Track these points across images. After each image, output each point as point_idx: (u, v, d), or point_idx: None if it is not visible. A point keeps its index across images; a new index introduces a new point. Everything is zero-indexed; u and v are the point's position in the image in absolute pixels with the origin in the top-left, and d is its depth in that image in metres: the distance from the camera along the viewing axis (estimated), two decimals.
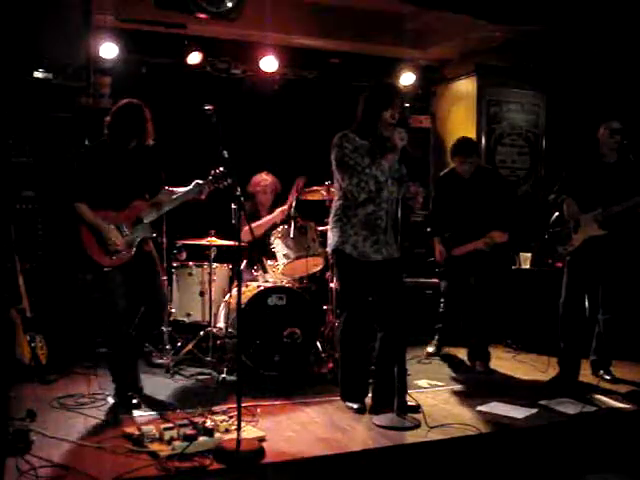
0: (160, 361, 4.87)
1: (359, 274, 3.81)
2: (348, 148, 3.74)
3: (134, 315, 3.89)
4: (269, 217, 5.13)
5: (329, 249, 3.97)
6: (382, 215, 3.80)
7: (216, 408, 3.56)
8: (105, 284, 3.84)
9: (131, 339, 3.88)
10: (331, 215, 3.95)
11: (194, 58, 5.75)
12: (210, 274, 4.93)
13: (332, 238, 3.88)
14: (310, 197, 5.09)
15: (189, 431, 3.08)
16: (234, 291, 4.62)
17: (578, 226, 4.47)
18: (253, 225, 4.76)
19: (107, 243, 3.78)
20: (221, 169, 4.10)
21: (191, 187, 4.08)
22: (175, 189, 4.10)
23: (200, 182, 4.09)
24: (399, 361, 3.65)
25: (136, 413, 3.66)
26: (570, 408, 3.91)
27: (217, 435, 3.11)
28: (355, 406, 3.79)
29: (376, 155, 3.73)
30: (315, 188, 4.99)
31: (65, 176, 3.96)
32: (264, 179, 5.35)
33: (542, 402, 4.05)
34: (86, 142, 4.24)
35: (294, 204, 4.95)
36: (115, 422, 3.48)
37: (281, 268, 4.78)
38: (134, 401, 3.75)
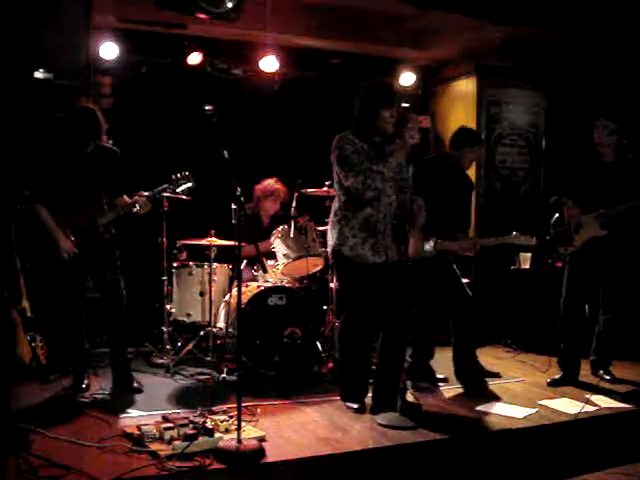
0: (160, 361, 4.87)
1: (357, 276, 3.81)
2: (349, 149, 3.73)
3: (86, 305, 4.16)
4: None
5: (328, 249, 3.97)
6: (381, 219, 3.79)
7: (216, 408, 3.55)
8: (57, 281, 4.07)
9: (82, 327, 4.14)
10: (331, 215, 3.95)
11: (194, 58, 5.75)
12: (210, 274, 4.93)
13: (331, 239, 3.89)
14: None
15: (189, 431, 3.08)
16: (234, 291, 4.63)
17: (579, 227, 4.48)
18: (261, 245, 4.87)
19: (59, 250, 3.96)
20: (183, 173, 4.24)
21: (155, 190, 4.18)
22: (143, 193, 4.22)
23: (158, 189, 4.19)
24: (400, 361, 3.65)
25: (136, 413, 3.66)
26: (570, 408, 3.91)
27: (217, 435, 3.11)
28: (355, 406, 3.79)
29: (372, 157, 3.73)
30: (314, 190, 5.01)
31: (25, 180, 4.12)
32: (277, 188, 5.36)
33: (542, 402, 4.06)
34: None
35: (294, 204, 4.96)
36: (115, 422, 3.48)
37: (281, 268, 4.78)
38: (84, 385, 4.06)
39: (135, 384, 4.12)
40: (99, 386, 4.17)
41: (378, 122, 3.73)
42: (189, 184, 4.27)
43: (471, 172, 6.32)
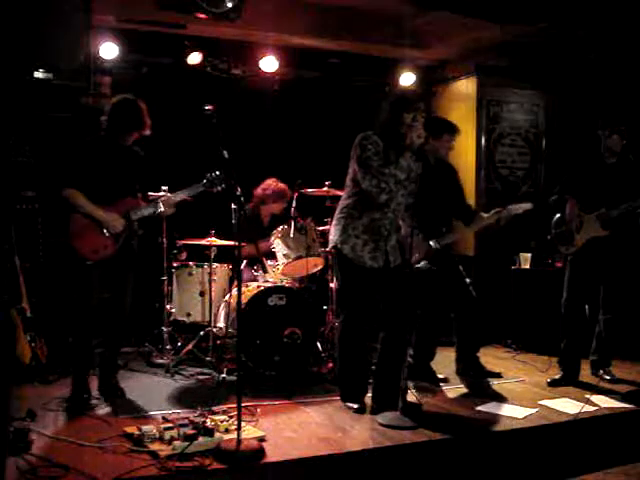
0: (160, 361, 4.88)
1: (356, 276, 3.81)
2: (371, 150, 3.72)
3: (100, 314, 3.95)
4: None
5: (330, 244, 3.98)
6: (386, 223, 3.79)
7: (216, 408, 3.55)
8: (84, 278, 3.86)
9: (93, 339, 3.96)
10: (337, 210, 3.94)
11: (194, 58, 5.75)
12: (210, 274, 4.93)
13: (334, 234, 3.89)
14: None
15: (189, 431, 3.08)
16: (234, 291, 4.62)
17: (580, 226, 4.48)
18: (261, 245, 4.88)
19: (104, 226, 3.79)
20: (217, 173, 4.16)
21: (189, 189, 4.12)
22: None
23: (198, 185, 4.14)
24: (401, 361, 3.65)
25: (136, 413, 3.66)
26: (570, 408, 3.91)
27: (217, 435, 3.11)
28: (355, 406, 3.79)
29: (390, 157, 3.73)
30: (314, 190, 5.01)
31: (58, 166, 3.96)
32: (285, 189, 5.34)
33: (542, 402, 4.06)
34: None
35: (294, 204, 4.96)
36: (115, 422, 3.48)
37: (281, 268, 4.78)
38: (90, 402, 3.82)
39: (119, 390, 4.03)
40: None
41: (401, 126, 3.72)
42: (224, 184, 4.20)
43: (471, 172, 6.39)
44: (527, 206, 4.59)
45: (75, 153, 3.93)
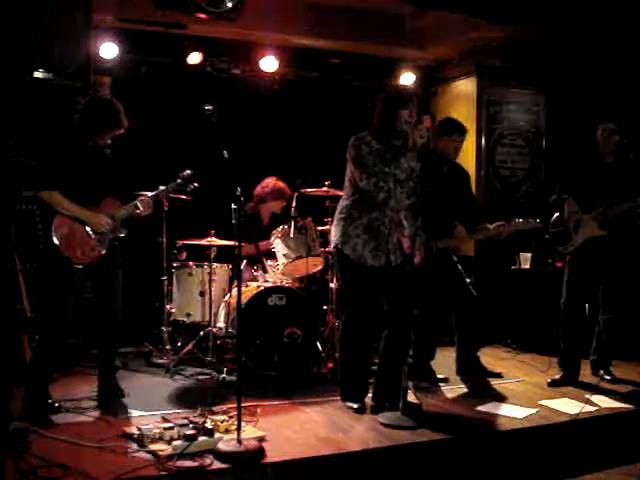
0: (160, 361, 4.87)
1: (357, 276, 3.81)
2: (365, 150, 3.72)
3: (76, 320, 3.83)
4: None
5: (331, 245, 3.97)
6: (386, 222, 3.79)
7: (216, 408, 3.55)
8: (65, 280, 3.72)
9: (63, 345, 3.87)
10: (337, 211, 3.94)
11: (194, 58, 5.75)
12: (210, 274, 4.93)
13: (335, 235, 3.89)
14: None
15: (189, 431, 3.08)
16: (234, 291, 4.62)
17: (579, 226, 4.48)
18: (261, 244, 4.90)
19: (92, 227, 3.72)
20: (188, 172, 4.18)
21: (163, 189, 4.13)
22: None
23: (165, 187, 4.14)
24: (403, 360, 3.65)
25: (136, 413, 3.66)
26: (570, 408, 3.91)
27: (217, 435, 3.11)
28: (355, 406, 3.79)
29: (386, 156, 3.72)
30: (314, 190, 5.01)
31: (37, 167, 3.90)
32: (284, 187, 5.32)
33: (542, 402, 4.06)
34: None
35: (294, 204, 4.96)
36: (115, 422, 3.48)
37: (281, 268, 4.78)
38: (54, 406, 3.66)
39: (119, 391, 4.00)
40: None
41: (397, 122, 3.71)
42: (196, 183, 4.23)
43: (471, 172, 6.36)
44: (536, 225, 4.55)
45: (50, 154, 3.84)
